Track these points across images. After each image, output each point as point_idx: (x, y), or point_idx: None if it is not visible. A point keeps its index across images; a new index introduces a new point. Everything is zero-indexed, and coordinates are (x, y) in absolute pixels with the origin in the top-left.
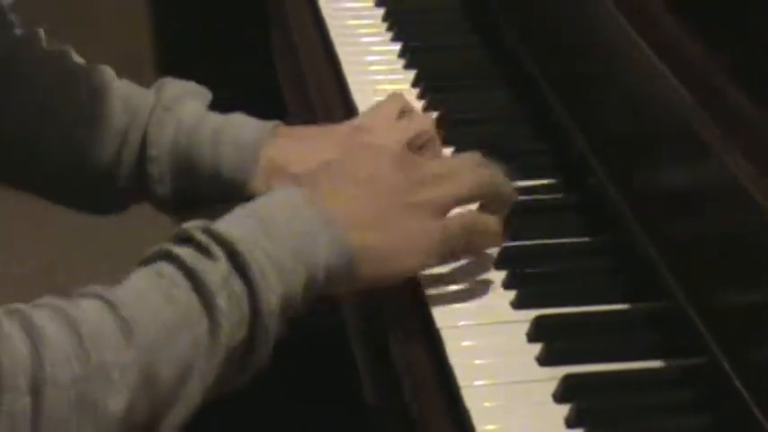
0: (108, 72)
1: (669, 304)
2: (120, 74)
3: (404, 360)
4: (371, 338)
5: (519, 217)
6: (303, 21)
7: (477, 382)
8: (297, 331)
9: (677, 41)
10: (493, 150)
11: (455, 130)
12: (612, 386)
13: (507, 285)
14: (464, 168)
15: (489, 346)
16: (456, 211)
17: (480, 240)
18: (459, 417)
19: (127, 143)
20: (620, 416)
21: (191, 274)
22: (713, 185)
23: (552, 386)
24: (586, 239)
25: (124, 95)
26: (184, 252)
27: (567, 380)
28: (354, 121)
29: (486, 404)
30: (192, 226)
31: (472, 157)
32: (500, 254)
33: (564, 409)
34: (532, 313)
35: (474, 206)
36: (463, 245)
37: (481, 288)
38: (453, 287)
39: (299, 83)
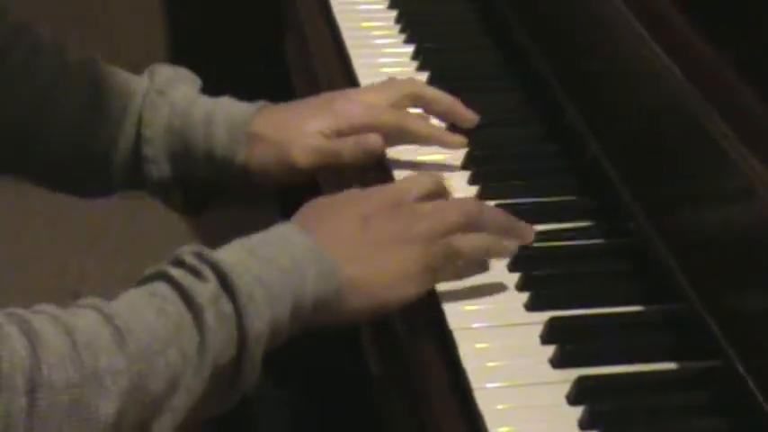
0: (99, 59)
1: (683, 306)
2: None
3: (416, 362)
4: (384, 340)
5: (533, 219)
6: (316, 23)
7: (490, 385)
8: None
9: (689, 41)
10: (506, 152)
11: (468, 133)
12: (626, 388)
13: (521, 287)
14: (451, 203)
15: (502, 348)
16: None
17: (467, 267)
18: (472, 419)
19: (122, 127)
20: (633, 418)
21: (182, 292)
22: (727, 188)
23: (566, 388)
24: (600, 241)
25: (118, 81)
26: (177, 273)
27: (581, 382)
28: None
29: (500, 406)
30: (186, 251)
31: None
32: (514, 256)
33: (577, 412)
34: (546, 315)
35: None
36: (451, 271)
37: (495, 290)
38: (467, 289)
39: (313, 85)
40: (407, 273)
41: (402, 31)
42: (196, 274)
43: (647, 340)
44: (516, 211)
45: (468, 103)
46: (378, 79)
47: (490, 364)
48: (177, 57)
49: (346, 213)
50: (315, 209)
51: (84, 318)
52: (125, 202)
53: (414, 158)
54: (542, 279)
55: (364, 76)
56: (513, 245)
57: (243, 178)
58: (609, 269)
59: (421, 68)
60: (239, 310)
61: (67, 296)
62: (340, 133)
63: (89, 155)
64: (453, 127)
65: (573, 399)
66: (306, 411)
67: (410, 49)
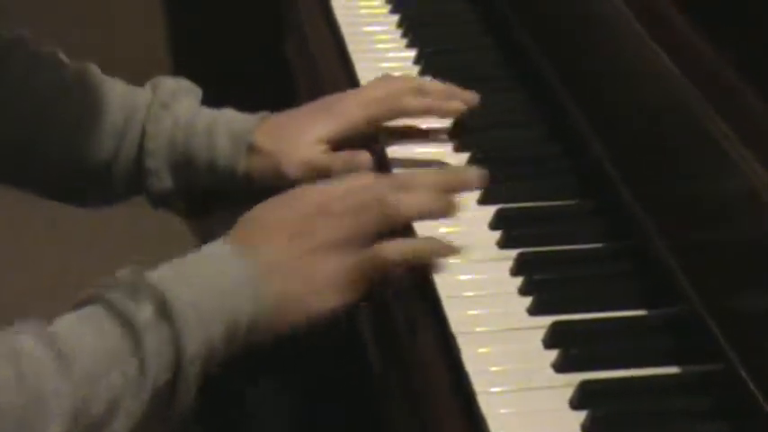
0: (96, 69)
1: (685, 310)
2: (136, 76)
3: (418, 365)
4: (386, 344)
5: (535, 223)
6: (318, 27)
7: (492, 389)
8: (316, 338)
9: (690, 42)
10: (508, 154)
11: (470, 135)
12: (629, 392)
13: (523, 291)
14: (371, 198)
15: (505, 352)
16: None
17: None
18: (475, 423)
19: (125, 139)
20: (636, 422)
21: (121, 316)
22: (729, 190)
23: (568, 392)
24: (602, 245)
25: (118, 93)
26: (115, 296)
27: (584, 386)
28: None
29: (503, 411)
30: (124, 274)
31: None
32: (516, 260)
33: (580, 416)
34: (549, 319)
35: None
36: (380, 277)
37: (497, 294)
38: (469, 293)
39: (315, 89)
40: (337, 283)
41: (404, 35)
42: (134, 297)
43: (649, 344)
44: (519, 215)
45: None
46: None
47: (493, 368)
48: (178, 56)
49: (275, 227)
50: (247, 224)
51: (28, 342)
52: (126, 203)
53: (415, 157)
54: (545, 283)
55: (367, 80)
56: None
57: (245, 187)
58: (611, 273)
59: (423, 73)
60: (176, 333)
61: (68, 296)
62: (342, 135)
63: (89, 166)
64: (454, 129)
65: (576, 403)
66: (304, 415)
67: (412, 53)
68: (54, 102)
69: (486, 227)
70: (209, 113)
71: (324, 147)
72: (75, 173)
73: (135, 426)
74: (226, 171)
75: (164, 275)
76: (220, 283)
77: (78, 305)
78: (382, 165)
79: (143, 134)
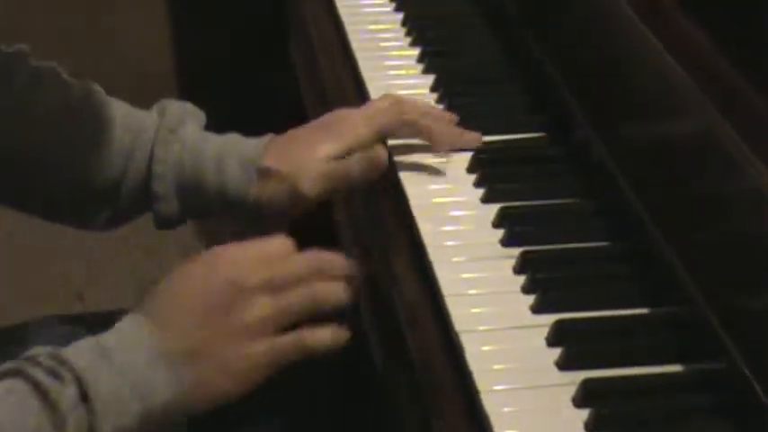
0: (99, 88)
1: (688, 309)
2: (140, 82)
3: (423, 365)
4: (390, 345)
5: (538, 222)
6: (322, 25)
7: (496, 387)
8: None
9: (695, 43)
10: (511, 154)
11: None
12: (632, 391)
13: (527, 290)
14: (288, 274)
15: (508, 350)
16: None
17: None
18: (479, 421)
19: (132, 162)
20: (639, 420)
21: (44, 395)
22: (731, 190)
23: (571, 391)
24: (606, 244)
25: (123, 113)
26: (36, 372)
27: (587, 384)
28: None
29: (506, 409)
30: (41, 351)
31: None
32: (519, 258)
33: (583, 414)
34: (552, 318)
35: None
36: (300, 355)
37: (501, 292)
38: (472, 291)
39: (319, 87)
40: (252, 366)
41: (408, 33)
42: (55, 375)
43: (652, 342)
44: (521, 213)
45: (473, 105)
46: (385, 82)
47: (496, 366)
48: (179, 60)
49: (189, 304)
50: (161, 298)
51: None
52: None
53: (421, 162)
54: (548, 282)
55: (371, 79)
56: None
57: (254, 213)
58: (615, 272)
59: (426, 71)
60: (94, 416)
61: (73, 299)
62: (349, 153)
63: (95, 186)
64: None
65: (579, 401)
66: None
67: (416, 51)
68: (58, 118)
69: (489, 225)
70: (216, 138)
71: (332, 165)
72: (80, 192)
73: None
74: (236, 197)
75: (82, 356)
76: (136, 366)
77: None
78: (391, 174)
79: (151, 157)
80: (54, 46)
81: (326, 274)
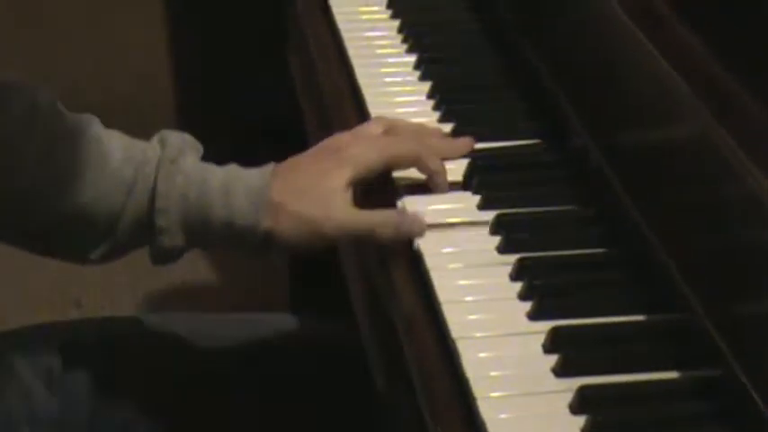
0: (97, 120)
1: (686, 316)
2: (138, 83)
3: (419, 371)
4: (386, 351)
5: (535, 229)
6: (318, 32)
7: (492, 394)
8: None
9: (690, 48)
10: (508, 160)
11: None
12: (629, 398)
13: (523, 297)
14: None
15: (505, 357)
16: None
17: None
18: (476, 428)
19: (133, 195)
20: (636, 427)
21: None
22: (729, 197)
23: (568, 397)
24: (602, 251)
25: (123, 145)
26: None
27: (583, 391)
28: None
29: (503, 416)
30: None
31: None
32: (516, 265)
33: (580, 421)
34: (548, 324)
35: None
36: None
37: (497, 299)
38: (469, 298)
39: (316, 94)
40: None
41: (405, 40)
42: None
43: (649, 349)
44: (519, 220)
45: (469, 112)
46: (382, 89)
47: (493, 373)
48: (179, 60)
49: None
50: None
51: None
52: None
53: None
54: (545, 288)
55: (367, 85)
56: None
57: (262, 245)
58: (612, 279)
59: (423, 78)
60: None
61: (70, 306)
62: (356, 182)
63: (93, 219)
64: (455, 136)
65: (575, 408)
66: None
67: (413, 58)
68: (54, 152)
69: (485, 232)
70: (218, 169)
71: (349, 196)
72: (76, 226)
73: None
74: (245, 230)
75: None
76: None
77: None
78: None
79: (154, 190)
80: (54, 47)
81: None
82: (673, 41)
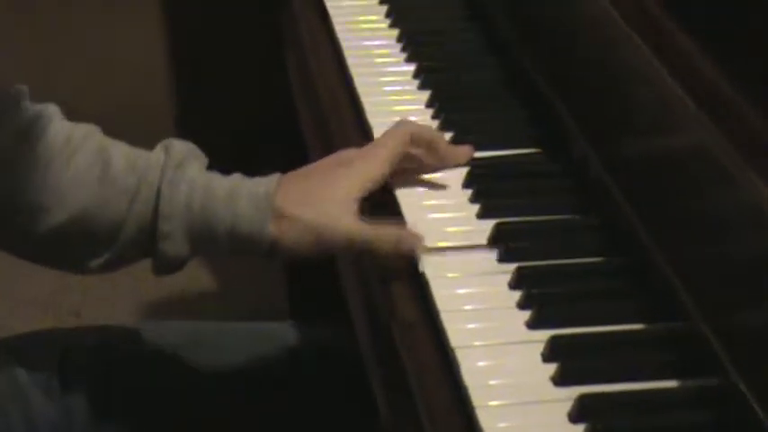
0: (99, 130)
1: (685, 325)
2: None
3: (418, 380)
4: (385, 359)
5: (534, 237)
6: (317, 40)
7: (491, 403)
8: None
9: (690, 55)
10: (507, 169)
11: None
12: (628, 406)
13: (522, 305)
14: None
15: (504, 366)
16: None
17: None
18: None
19: (137, 202)
20: None
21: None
22: (728, 204)
23: (567, 406)
24: (601, 259)
25: (126, 153)
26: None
27: (583, 400)
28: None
29: (502, 425)
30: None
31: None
32: (515, 274)
33: (579, 430)
34: (547, 333)
35: None
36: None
37: (496, 308)
38: (468, 307)
39: (314, 103)
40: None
41: (403, 49)
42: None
43: (648, 358)
44: (518, 229)
45: (468, 121)
46: (381, 98)
47: (492, 382)
48: (178, 67)
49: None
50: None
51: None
52: None
53: (417, 178)
54: (543, 297)
55: (366, 94)
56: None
57: (267, 252)
58: (611, 287)
59: (422, 87)
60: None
61: (69, 314)
62: (363, 194)
63: (96, 228)
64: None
65: (574, 417)
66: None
67: (411, 67)
68: (55, 162)
69: (484, 241)
70: (223, 178)
71: (356, 208)
72: (79, 234)
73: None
74: (249, 238)
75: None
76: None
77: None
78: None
79: (158, 197)
80: (53, 49)
81: None
82: (672, 50)
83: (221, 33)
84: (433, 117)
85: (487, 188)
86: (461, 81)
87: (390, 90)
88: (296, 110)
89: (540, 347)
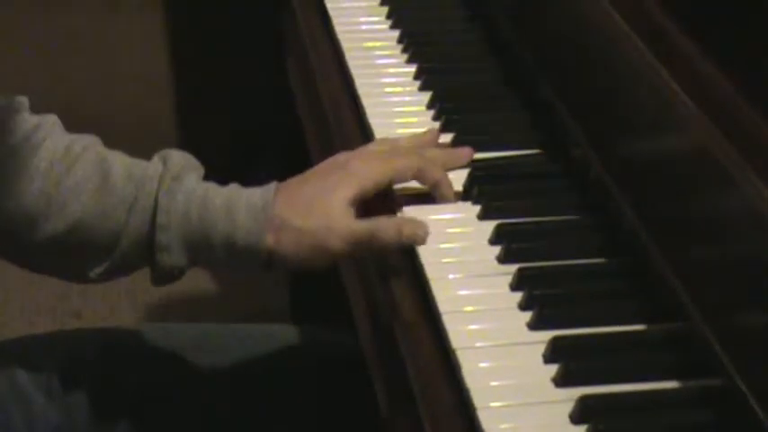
0: (98, 140)
1: (685, 325)
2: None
3: (420, 382)
4: (387, 360)
5: (535, 238)
6: (318, 42)
7: (493, 404)
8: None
9: (691, 59)
10: (509, 170)
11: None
12: (629, 407)
13: (524, 306)
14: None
15: (506, 367)
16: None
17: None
18: None
19: (134, 213)
20: None
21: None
22: (728, 206)
23: (569, 407)
24: (603, 260)
25: (124, 163)
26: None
27: (584, 401)
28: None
29: (503, 426)
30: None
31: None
32: (516, 275)
33: (581, 431)
34: (549, 334)
35: None
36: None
37: (497, 309)
38: (469, 308)
39: (315, 104)
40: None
41: (404, 50)
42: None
43: (649, 359)
44: (519, 230)
45: (469, 122)
46: (381, 99)
47: (493, 383)
48: (179, 71)
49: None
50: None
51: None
52: None
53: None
54: (545, 298)
55: (367, 95)
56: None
57: (264, 263)
58: (612, 288)
59: (423, 89)
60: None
61: (70, 317)
62: (359, 199)
63: (95, 238)
64: (454, 146)
65: (576, 418)
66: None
67: (412, 69)
68: (55, 170)
69: (486, 242)
70: (220, 189)
71: (352, 212)
72: (77, 244)
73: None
74: (246, 248)
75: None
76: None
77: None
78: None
79: (155, 207)
80: (54, 50)
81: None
82: (673, 52)
83: (221, 34)
84: (434, 118)
85: (488, 189)
86: (462, 82)
87: (391, 91)
88: (296, 111)
89: (542, 348)
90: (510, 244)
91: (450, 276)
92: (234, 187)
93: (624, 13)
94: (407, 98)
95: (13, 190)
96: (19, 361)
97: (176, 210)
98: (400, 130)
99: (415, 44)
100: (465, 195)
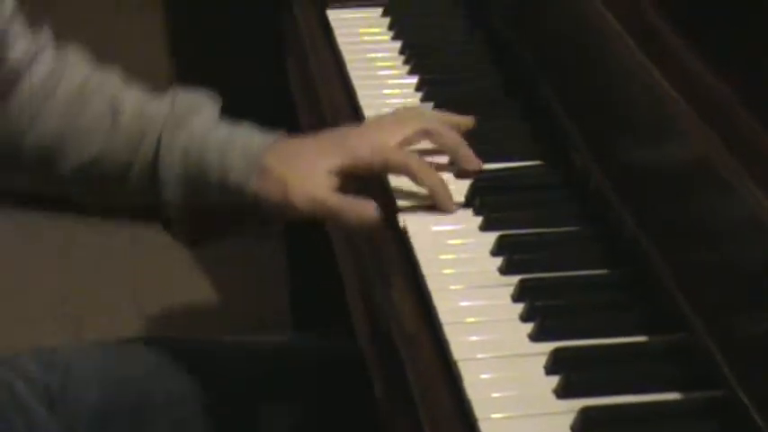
0: (117, 74)
1: (687, 336)
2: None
3: (420, 392)
4: (387, 371)
5: (537, 249)
6: (320, 54)
7: (494, 415)
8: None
9: (689, 66)
10: (510, 182)
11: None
12: (630, 418)
13: (525, 318)
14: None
15: (507, 378)
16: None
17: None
18: None
19: (141, 148)
20: None
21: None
22: (730, 216)
23: (570, 419)
24: (604, 271)
25: (138, 100)
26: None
27: (585, 412)
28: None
29: None
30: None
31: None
32: (518, 286)
33: None
34: (550, 346)
35: None
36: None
37: (499, 321)
38: (471, 319)
39: (317, 116)
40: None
41: (406, 62)
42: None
43: (651, 370)
44: (520, 241)
45: (472, 133)
46: (382, 110)
47: (495, 394)
48: (179, 71)
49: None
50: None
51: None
52: (129, 229)
53: (420, 190)
54: (546, 309)
55: (368, 107)
56: None
57: (253, 209)
58: (613, 299)
59: (425, 99)
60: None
61: (71, 322)
62: (346, 171)
63: (107, 172)
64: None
65: (578, 429)
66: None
67: (414, 80)
68: (79, 103)
69: (487, 253)
70: (223, 130)
71: (334, 180)
72: (97, 176)
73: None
74: (237, 189)
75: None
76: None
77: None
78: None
79: (158, 144)
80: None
81: None
82: (674, 62)
83: (221, 34)
84: None
85: (490, 200)
86: (464, 93)
87: (393, 102)
88: (298, 121)
89: (543, 360)
90: (511, 255)
91: (452, 287)
92: (241, 128)
93: (625, 22)
94: None
95: (31, 130)
96: (20, 374)
97: (177, 147)
98: None
99: (416, 56)
100: (466, 206)
